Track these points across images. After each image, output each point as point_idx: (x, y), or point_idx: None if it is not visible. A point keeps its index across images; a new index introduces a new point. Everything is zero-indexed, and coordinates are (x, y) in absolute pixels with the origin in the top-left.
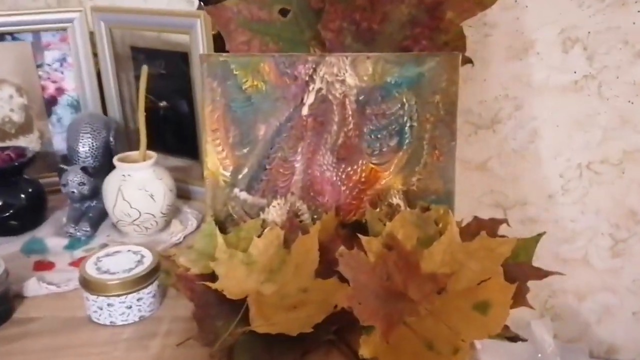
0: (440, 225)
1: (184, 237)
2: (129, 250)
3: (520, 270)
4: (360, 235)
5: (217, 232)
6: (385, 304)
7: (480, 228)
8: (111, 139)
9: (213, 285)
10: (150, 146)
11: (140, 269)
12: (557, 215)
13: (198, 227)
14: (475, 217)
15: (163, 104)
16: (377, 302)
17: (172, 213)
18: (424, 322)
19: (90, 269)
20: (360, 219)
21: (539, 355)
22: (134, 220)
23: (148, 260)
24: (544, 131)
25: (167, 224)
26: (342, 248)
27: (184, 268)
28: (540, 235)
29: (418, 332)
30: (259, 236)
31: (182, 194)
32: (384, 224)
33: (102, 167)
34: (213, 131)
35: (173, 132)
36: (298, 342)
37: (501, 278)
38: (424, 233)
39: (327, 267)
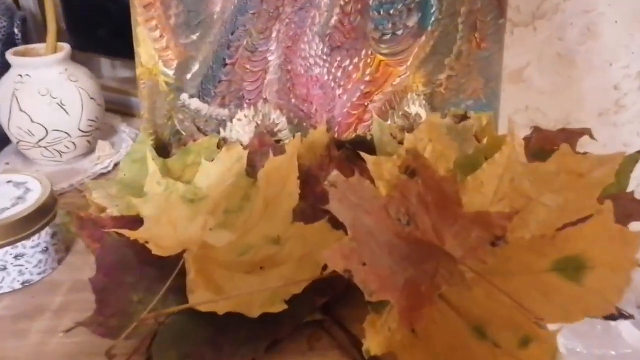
0: (485, 141)
1: (114, 165)
2: (9, 182)
3: (619, 205)
4: (363, 154)
5: (150, 153)
6: (405, 264)
7: (547, 144)
8: (15, 31)
9: (132, 234)
10: (78, 45)
11: (18, 209)
12: (606, 137)
13: None
14: (537, 128)
15: None
16: (392, 262)
17: (100, 133)
18: (471, 295)
19: None
20: (364, 137)
21: None
22: (40, 140)
23: (35, 195)
24: (599, 29)
25: (92, 147)
26: (334, 173)
27: (97, 207)
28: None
29: (461, 310)
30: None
31: (124, 110)
32: (399, 142)
33: (3, 69)
34: (145, 7)
35: (110, 26)
36: (264, 326)
37: (609, 218)
38: (461, 152)
39: (312, 206)
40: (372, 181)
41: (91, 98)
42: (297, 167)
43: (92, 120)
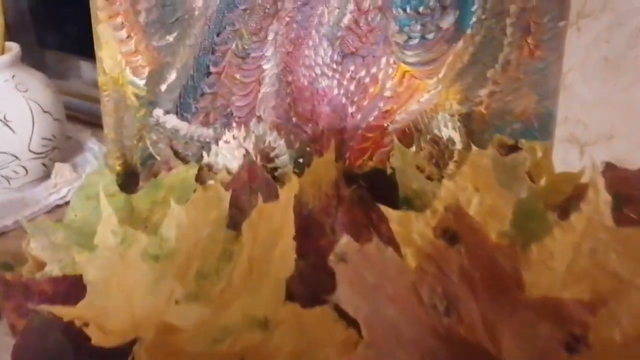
0: (543, 182)
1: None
2: None
3: None
4: (384, 209)
5: (104, 191)
6: None
7: (624, 188)
8: None
9: (66, 313)
10: (49, 43)
11: None
12: None
13: None
14: (609, 165)
15: None
16: None
17: (61, 153)
18: None
19: None
20: (382, 170)
21: None
22: None
23: None
24: None
25: (50, 170)
26: (344, 241)
27: (35, 262)
28: None
29: None
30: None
31: (98, 121)
32: (428, 177)
33: None
34: (109, 0)
35: (86, 22)
36: None
37: None
38: (514, 200)
39: (314, 266)
40: (397, 247)
41: (45, 112)
42: (293, 223)
43: (47, 139)
